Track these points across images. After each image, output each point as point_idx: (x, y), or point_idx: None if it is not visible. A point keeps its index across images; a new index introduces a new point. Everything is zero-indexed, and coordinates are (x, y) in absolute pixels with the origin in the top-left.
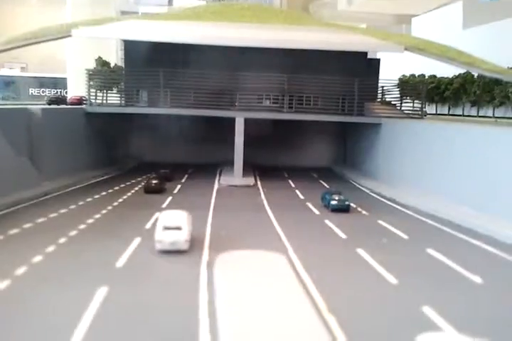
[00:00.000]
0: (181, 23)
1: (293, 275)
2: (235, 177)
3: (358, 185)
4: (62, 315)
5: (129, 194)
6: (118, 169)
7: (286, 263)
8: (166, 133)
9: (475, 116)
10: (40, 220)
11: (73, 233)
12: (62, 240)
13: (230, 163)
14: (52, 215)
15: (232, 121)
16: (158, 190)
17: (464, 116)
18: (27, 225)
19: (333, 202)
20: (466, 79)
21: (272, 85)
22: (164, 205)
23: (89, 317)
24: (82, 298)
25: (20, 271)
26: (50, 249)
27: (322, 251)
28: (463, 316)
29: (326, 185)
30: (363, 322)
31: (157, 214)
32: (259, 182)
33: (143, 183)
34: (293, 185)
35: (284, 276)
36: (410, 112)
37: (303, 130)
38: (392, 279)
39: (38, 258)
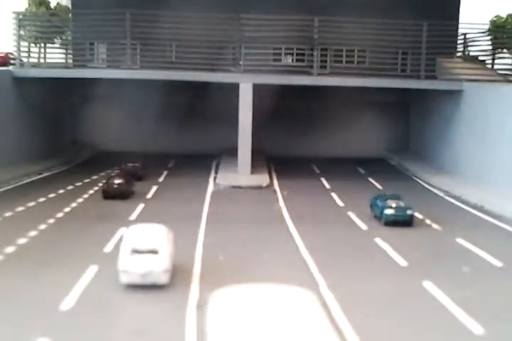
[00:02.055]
0: None
1: (327, 324)
2: (240, 173)
3: (426, 185)
4: None
5: (80, 200)
6: (64, 163)
7: (316, 305)
8: (134, 108)
9: None
10: None
11: None
12: None
13: (232, 153)
14: None
15: (234, 90)
16: (124, 194)
17: None
18: None
19: (389, 212)
20: None
21: (294, 33)
22: (133, 217)
23: None
24: None
25: None
26: None
27: (371, 286)
28: None
29: (377, 185)
30: None
31: (122, 231)
32: (275, 182)
33: (101, 184)
34: (327, 186)
35: (314, 326)
36: (509, 72)
37: (342, 102)
38: (477, 328)
39: None
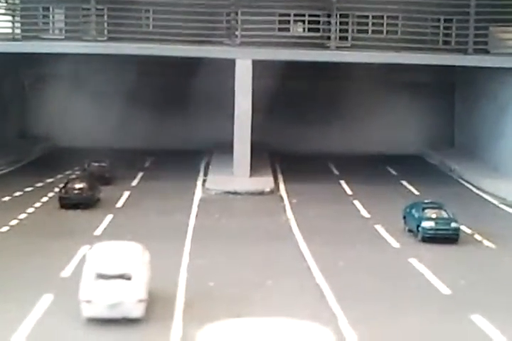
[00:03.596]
0: None
1: None
2: (236, 175)
3: (476, 190)
4: None
5: (31, 210)
6: (9, 162)
7: None
8: (101, 92)
9: None
10: None
11: None
12: None
13: (226, 149)
14: None
15: (228, 68)
16: (87, 202)
17: None
18: None
19: (428, 225)
20: None
21: None
22: (98, 231)
23: None
24: None
25: None
26: None
27: (404, 322)
28: None
29: (413, 189)
30: None
31: (84, 250)
32: (282, 186)
33: (57, 189)
34: (349, 191)
35: None
36: None
37: (366, 84)
38: None
39: None
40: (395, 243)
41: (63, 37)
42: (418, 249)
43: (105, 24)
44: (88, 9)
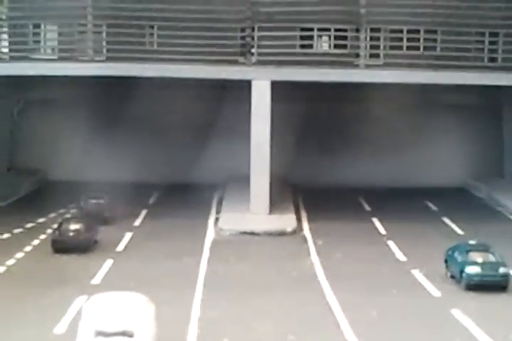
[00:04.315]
0: None
1: None
2: (254, 212)
3: None
4: None
5: (21, 255)
6: None
7: None
8: (100, 119)
9: None
10: None
11: None
12: None
13: (242, 182)
14: None
15: (244, 90)
16: (83, 246)
17: None
18: None
19: (473, 270)
20: None
21: (332, 6)
22: (96, 280)
23: None
24: None
25: None
26: None
27: None
28: None
29: (456, 228)
30: None
31: (81, 302)
32: (306, 225)
33: (50, 230)
34: (382, 230)
35: None
36: None
37: (401, 107)
38: None
39: None
40: (435, 291)
41: (56, 57)
42: (462, 298)
43: (103, 42)
44: (85, 25)
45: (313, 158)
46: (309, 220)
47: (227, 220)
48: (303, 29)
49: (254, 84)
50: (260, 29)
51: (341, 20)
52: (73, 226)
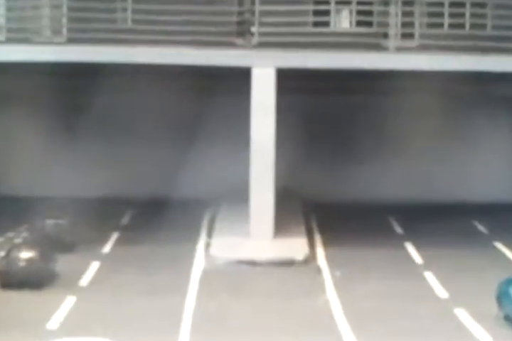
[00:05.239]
0: None
1: None
2: (254, 236)
3: None
4: None
5: None
6: None
7: None
8: (60, 117)
9: None
10: None
11: None
12: None
13: (239, 197)
14: None
15: (242, 81)
16: (37, 279)
17: None
18: None
19: None
20: None
21: None
22: (53, 324)
23: None
24: None
25: None
26: None
27: None
28: None
29: (511, 256)
30: None
31: None
32: (320, 252)
33: None
34: (417, 259)
35: None
36: None
37: (438, 102)
38: None
39: None
40: (484, 335)
41: (3, 39)
42: None
43: (64, 19)
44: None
45: (329, 166)
46: (325, 246)
47: (221, 246)
48: (316, 2)
49: (254, 72)
50: (263, 2)
51: None
52: (25, 255)
